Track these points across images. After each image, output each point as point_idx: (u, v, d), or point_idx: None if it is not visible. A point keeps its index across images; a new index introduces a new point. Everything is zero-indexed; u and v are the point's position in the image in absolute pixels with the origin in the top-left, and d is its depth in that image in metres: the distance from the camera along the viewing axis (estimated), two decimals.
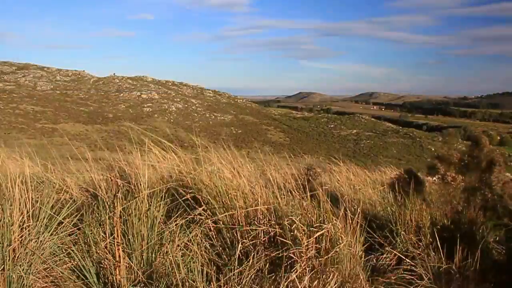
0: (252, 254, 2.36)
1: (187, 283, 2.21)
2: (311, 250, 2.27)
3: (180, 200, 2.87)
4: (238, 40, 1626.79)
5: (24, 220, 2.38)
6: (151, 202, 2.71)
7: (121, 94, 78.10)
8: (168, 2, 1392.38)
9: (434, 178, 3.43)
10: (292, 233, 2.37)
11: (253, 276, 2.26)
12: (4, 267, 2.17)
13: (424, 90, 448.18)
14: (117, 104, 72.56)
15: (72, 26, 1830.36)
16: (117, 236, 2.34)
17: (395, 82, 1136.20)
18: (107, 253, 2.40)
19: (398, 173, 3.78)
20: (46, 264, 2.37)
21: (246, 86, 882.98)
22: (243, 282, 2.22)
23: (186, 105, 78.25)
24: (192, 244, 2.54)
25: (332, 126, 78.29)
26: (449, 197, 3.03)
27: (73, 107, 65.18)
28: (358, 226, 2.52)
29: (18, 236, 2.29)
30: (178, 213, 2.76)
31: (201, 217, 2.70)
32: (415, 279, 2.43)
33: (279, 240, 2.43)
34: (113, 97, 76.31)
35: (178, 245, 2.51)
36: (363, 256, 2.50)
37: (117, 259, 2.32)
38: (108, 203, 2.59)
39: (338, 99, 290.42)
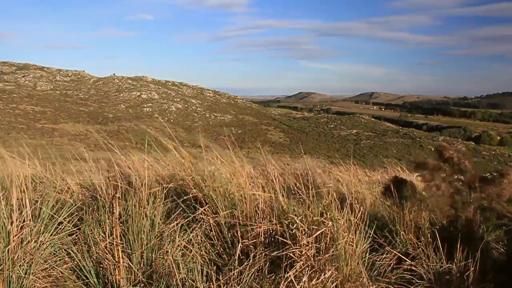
0: (253, 254, 2.37)
1: (187, 283, 2.22)
2: (311, 249, 2.27)
3: (180, 199, 2.87)
4: (238, 40, 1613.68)
5: (24, 220, 2.38)
6: (151, 202, 2.71)
7: (121, 94, 78.17)
8: (167, 3, 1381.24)
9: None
10: (292, 232, 2.38)
11: (253, 275, 2.26)
12: (3, 267, 2.17)
13: (424, 90, 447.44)
14: (117, 104, 72.63)
15: (72, 26, 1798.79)
16: (116, 236, 2.33)
17: (395, 82, 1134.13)
18: (107, 253, 2.39)
19: (387, 181, 3.77)
20: (46, 264, 2.37)
21: (246, 86, 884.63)
22: (243, 282, 2.22)
23: (186, 105, 78.33)
24: (192, 244, 2.54)
25: (332, 126, 78.36)
26: (440, 203, 3.02)
27: (73, 107, 65.23)
28: (359, 226, 2.52)
29: (17, 236, 2.29)
30: (178, 212, 2.76)
31: (202, 216, 2.70)
32: (415, 279, 2.43)
33: (279, 240, 2.43)
34: (113, 97, 76.37)
35: (178, 245, 2.51)
36: (366, 255, 2.50)
37: (117, 259, 2.32)
38: (108, 203, 2.59)
39: (338, 99, 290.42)
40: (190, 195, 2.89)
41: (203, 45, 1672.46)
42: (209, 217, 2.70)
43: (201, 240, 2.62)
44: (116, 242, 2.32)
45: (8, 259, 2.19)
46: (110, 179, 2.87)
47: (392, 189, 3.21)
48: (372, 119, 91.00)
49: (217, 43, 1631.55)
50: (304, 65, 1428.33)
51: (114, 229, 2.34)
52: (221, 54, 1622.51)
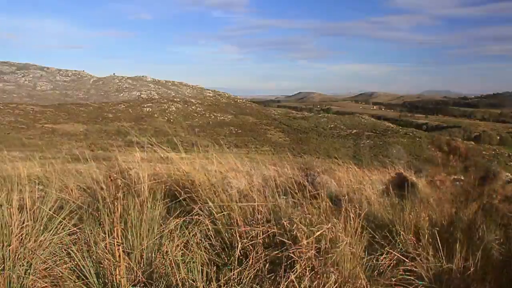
0: (252, 254, 2.36)
1: (187, 283, 2.22)
2: (311, 250, 2.27)
3: (177, 200, 2.88)
4: (238, 40, 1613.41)
5: (24, 220, 2.38)
6: (150, 202, 2.72)
7: (121, 94, 78.14)
8: (167, 2, 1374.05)
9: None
10: (291, 233, 2.38)
11: (252, 276, 2.26)
12: (4, 267, 2.17)
13: (424, 90, 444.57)
14: (117, 104, 72.60)
15: (73, 26, 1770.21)
16: (117, 236, 2.33)
17: (395, 82, 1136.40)
18: (107, 253, 2.39)
19: (389, 177, 3.77)
20: (46, 264, 2.37)
21: (246, 86, 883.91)
22: (243, 282, 2.22)
23: (186, 105, 78.30)
24: (192, 244, 2.54)
25: (332, 126, 78.33)
26: (443, 200, 3.02)
27: (73, 107, 65.21)
28: (359, 227, 2.52)
29: (17, 236, 2.29)
30: (177, 212, 2.77)
31: (199, 217, 2.70)
32: (415, 279, 2.43)
33: (278, 240, 2.43)
34: (113, 97, 76.32)
35: (178, 245, 2.51)
36: (364, 256, 2.50)
37: (118, 259, 2.32)
38: (108, 203, 2.59)
39: (337, 98, 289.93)
40: (187, 195, 2.89)
41: (203, 45, 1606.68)
42: (206, 218, 2.69)
43: (200, 240, 2.62)
44: (116, 242, 2.32)
45: (9, 259, 2.19)
46: (110, 178, 2.88)
47: (391, 189, 3.22)
48: (372, 119, 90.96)
49: (217, 42, 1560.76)
50: (304, 65, 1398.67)
51: (115, 228, 2.34)
52: (221, 54, 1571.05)
